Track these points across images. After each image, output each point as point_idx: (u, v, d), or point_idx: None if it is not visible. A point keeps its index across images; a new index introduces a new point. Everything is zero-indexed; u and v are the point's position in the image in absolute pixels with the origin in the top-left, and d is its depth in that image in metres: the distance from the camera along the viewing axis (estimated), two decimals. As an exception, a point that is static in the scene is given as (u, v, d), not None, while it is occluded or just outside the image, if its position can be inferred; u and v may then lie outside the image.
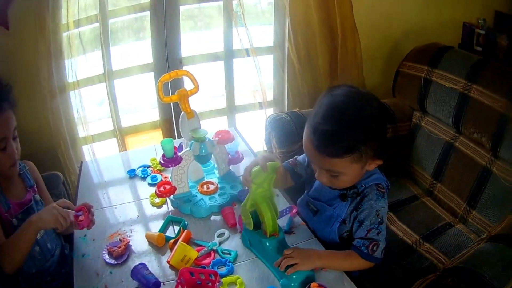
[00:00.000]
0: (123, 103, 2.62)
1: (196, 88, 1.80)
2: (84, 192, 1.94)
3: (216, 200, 1.78)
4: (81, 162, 2.17)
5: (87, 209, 1.50)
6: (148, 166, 2.07)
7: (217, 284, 1.35)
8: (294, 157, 1.70)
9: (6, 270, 1.42)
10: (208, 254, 1.56)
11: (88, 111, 2.45)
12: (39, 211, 1.55)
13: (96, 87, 2.47)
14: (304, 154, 1.60)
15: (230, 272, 1.48)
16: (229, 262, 1.50)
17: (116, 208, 1.84)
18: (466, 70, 2.15)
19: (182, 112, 1.77)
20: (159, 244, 1.59)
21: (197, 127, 1.78)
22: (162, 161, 1.70)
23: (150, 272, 1.44)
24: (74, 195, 1.94)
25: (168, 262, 1.49)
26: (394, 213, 2.18)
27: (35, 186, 1.67)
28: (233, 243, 1.62)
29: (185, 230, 1.63)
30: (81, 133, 2.48)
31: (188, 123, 1.77)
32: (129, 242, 1.61)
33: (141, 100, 2.80)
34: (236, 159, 1.93)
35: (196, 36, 2.89)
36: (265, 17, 2.73)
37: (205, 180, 1.90)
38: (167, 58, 2.51)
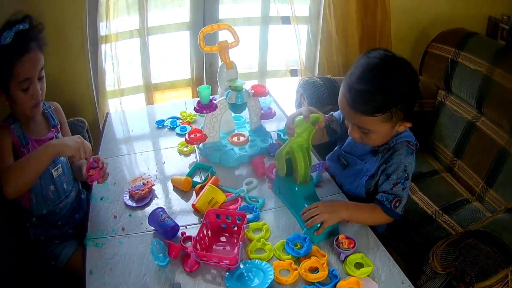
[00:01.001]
0: (156, 60, 2.48)
1: (237, 41, 1.73)
2: (108, 141, 1.86)
3: (246, 151, 1.70)
4: (107, 113, 2.10)
5: (100, 164, 1.41)
6: (178, 118, 2.00)
7: (244, 226, 1.26)
8: (330, 114, 1.64)
9: (7, 192, 1.29)
10: (235, 200, 1.48)
11: (119, 66, 2.33)
12: (62, 138, 1.49)
13: (130, 42, 2.34)
14: (339, 111, 1.58)
15: (256, 219, 1.40)
16: (256, 208, 1.43)
17: (141, 155, 1.76)
18: (491, 54, 2.14)
19: (221, 63, 1.71)
20: (185, 189, 1.51)
21: (235, 78, 1.71)
22: (197, 107, 1.63)
23: (169, 217, 1.34)
24: (97, 145, 1.86)
25: (193, 205, 1.42)
26: (416, 184, 2.14)
27: (58, 126, 1.58)
28: (261, 191, 1.54)
29: (213, 176, 1.54)
30: (110, 87, 2.36)
31: (226, 73, 1.71)
32: (153, 186, 1.54)
33: (174, 58, 2.68)
34: (268, 114, 1.85)
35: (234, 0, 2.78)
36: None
37: (236, 132, 1.81)
38: (204, 18, 2.42)
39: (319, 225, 1.29)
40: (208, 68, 2.52)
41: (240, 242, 1.21)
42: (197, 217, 1.40)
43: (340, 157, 1.56)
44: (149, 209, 1.42)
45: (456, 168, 2.27)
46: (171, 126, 1.93)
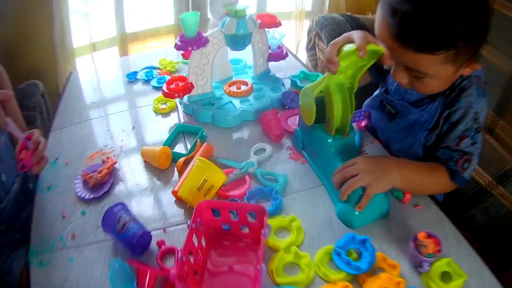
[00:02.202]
0: (132, 5, 2.03)
1: None
2: (67, 106, 1.30)
3: (251, 104, 1.16)
4: (70, 73, 1.54)
5: (32, 144, 0.92)
6: (155, 68, 1.45)
7: (263, 231, 0.70)
8: None
9: None
10: (241, 180, 0.92)
11: (89, 17, 1.91)
12: None
13: None
14: None
15: (278, 210, 0.86)
16: (276, 193, 0.88)
17: (104, 119, 1.21)
18: None
19: None
20: (161, 165, 0.97)
21: (234, 1, 1.15)
22: (178, 43, 1.08)
23: (133, 219, 0.80)
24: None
25: (174, 193, 0.88)
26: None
27: None
28: (280, 163, 1.00)
29: (204, 144, 0.99)
30: (76, 43, 1.94)
31: None
32: (115, 163, 1.00)
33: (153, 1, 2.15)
34: (278, 54, 1.28)
35: None
36: None
37: (234, 79, 1.25)
38: None
39: (358, 192, 0.82)
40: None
41: (261, 266, 0.63)
42: (182, 211, 0.87)
43: (385, 104, 1.08)
44: (109, 202, 0.90)
45: (498, 129, 1.82)
46: (146, 79, 1.38)
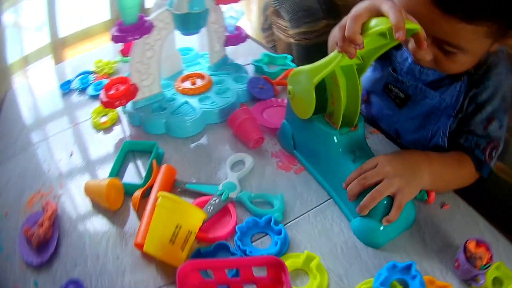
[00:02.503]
0: (65, 7, 1.75)
1: None
2: (2, 133, 1.03)
3: (213, 102, 0.93)
4: (6, 93, 1.25)
5: None
6: (91, 73, 1.17)
7: None
8: None
9: None
10: (223, 211, 0.69)
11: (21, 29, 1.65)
12: None
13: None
14: None
15: (286, 247, 0.64)
16: (276, 223, 0.66)
17: (41, 147, 0.93)
18: None
19: None
20: (112, 206, 0.71)
21: None
22: (116, 32, 0.82)
23: None
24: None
25: (138, 246, 0.63)
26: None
27: None
28: (269, 179, 0.77)
29: (163, 166, 0.75)
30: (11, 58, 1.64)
31: None
32: (55, 210, 0.73)
33: None
34: (236, 37, 1.06)
35: None
36: None
37: (186, 73, 1.00)
38: None
39: (384, 204, 0.65)
40: None
41: None
42: (153, 270, 0.63)
43: (392, 88, 0.89)
44: (61, 267, 0.65)
45: None
46: (82, 87, 1.11)
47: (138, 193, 0.69)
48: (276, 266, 0.51)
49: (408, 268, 0.59)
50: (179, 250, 0.57)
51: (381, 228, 0.64)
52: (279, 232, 0.64)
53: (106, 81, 1.05)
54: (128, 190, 0.72)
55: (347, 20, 0.61)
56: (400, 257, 0.63)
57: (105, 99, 0.86)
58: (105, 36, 1.78)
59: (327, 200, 0.72)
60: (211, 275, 0.54)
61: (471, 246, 0.63)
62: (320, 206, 0.72)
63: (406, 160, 0.70)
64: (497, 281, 0.63)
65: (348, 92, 0.70)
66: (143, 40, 0.84)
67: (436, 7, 0.66)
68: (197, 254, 0.60)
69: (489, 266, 0.62)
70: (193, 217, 0.59)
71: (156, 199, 0.64)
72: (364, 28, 0.59)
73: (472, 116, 0.82)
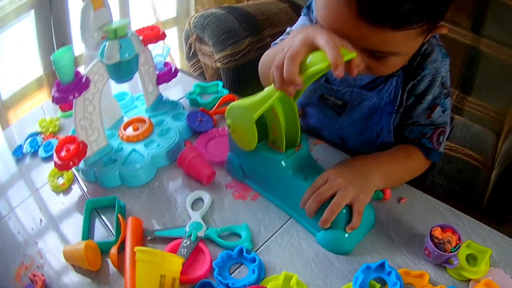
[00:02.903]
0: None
1: None
2: None
3: (158, 145, 0.95)
4: None
5: None
6: (37, 134, 1.15)
7: None
8: (288, 33, 0.97)
9: None
10: (195, 251, 0.72)
11: None
12: None
13: None
14: (297, 27, 0.95)
15: (263, 272, 0.69)
16: (248, 252, 0.70)
17: (9, 219, 0.92)
18: None
19: (85, 2, 0.89)
20: (93, 266, 0.72)
21: (110, 22, 0.92)
22: (56, 94, 0.83)
23: None
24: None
25: None
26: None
27: None
28: (229, 211, 0.81)
29: (129, 219, 0.77)
30: None
31: (94, 17, 0.89)
32: (44, 281, 0.74)
33: (19, 56, 1.78)
34: (166, 74, 1.08)
35: None
36: None
37: (126, 120, 1.02)
38: None
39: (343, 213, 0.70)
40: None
41: None
42: None
43: (328, 97, 0.93)
44: None
45: (466, 107, 1.87)
46: (32, 150, 1.09)
47: (114, 250, 0.71)
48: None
49: (381, 266, 0.65)
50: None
51: (346, 235, 0.70)
52: (253, 260, 0.68)
53: (54, 141, 1.07)
54: (103, 249, 0.74)
55: (282, 58, 0.62)
56: (371, 257, 0.69)
57: (58, 162, 0.86)
58: (41, 93, 1.81)
59: (288, 220, 0.77)
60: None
61: (437, 233, 0.68)
62: (284, 226, 0.76)
63: (355, 168, 0.75)
64: (470, 257, 0.70)
65: (287, 117, 0.73)
66: (83, 96, 0.85)
67: (363, 20, 0.64)
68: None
69: (458, 247, 0.67)
70: (173, 264, 0.62)
71: (133, 254, 0.66)
72: (302, 67, 0.61)
73: (413, 107, 0.85)
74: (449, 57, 0.85)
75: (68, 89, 0.83)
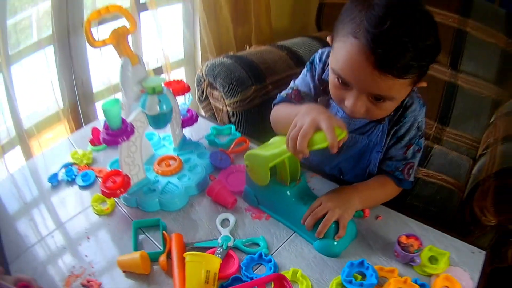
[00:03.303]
0: (21, 98, 1.79)
1: (134, 26, 1.15)
2: (6, 230, 1.15)
3: (189, 179, 1.19)
4: None
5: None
6: (71, 164, 1.34)
7: None
8: (292, 88, 1.22)
9: None
10: (227, 257, 0.98)
11: None
12: None
13: None
14: (304, 80, 1.20)
15: (277, 269, 0.95)
16: (266, 255, 0.96)
17: (53, 237, 1.10)
18: None
19: (123, 58, 1.13)
20: (145, 270, 0.96)
21: (145, 76, 1.16)
22: (106, 137, 1.05)
23: None
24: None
25: None
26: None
27: None
28: (249, 227, 1.07)
29: (173, 234, 1.01)
30: None
31: (132, 71, 1.13)
32: (100, 285, 0.95)
33: (39, 88, 1.89)
34: (189, 119, 1.34)
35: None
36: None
37: (158, 157, 1.27)
38: (68, 23, 1.77)
39: (332, 227, 0.97)
40: (81, 88, 1.89)
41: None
42: None
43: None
44: None
45: (444, 137, 2.13)
46: (69, 179, 1.28)
47: (163, 258, 0.96)
48: (280, 279, 0.81)
49: (361, 263, 0.91)
50: (212, 287, 0.87)
51: (335, 243, 0.96)
52: (269, 261, 0.93)
53: (90, 172, 1.27)
54: (152, 258, 0.98)
55: (296, 134, 0.87)
56: (354, 258, 0.94)
57: (106, 191, 1.08)
58: (61, 125, 1.93)
59: (293, 234, 1.03)
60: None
61: (403, 239, 0.94)
62: (290, 238, 1.02)
63: (340, 194, 1.02)
64: (433, 258, 0.94)
65: (290, 162, 0.99)
66: (130, 139, 1.08)
67: (377, 69, 0.86)
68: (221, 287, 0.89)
69: (420, 250, 0.91)
70: (214, 263, 0.88)
71: (182, 258, 0.91)
72: (309, 143, 0.86)
73: (393, 146, 1.09)
74: (425, 106, 1.09)
75: (117, 134, 1.05)
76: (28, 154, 1.80)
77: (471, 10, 1.97)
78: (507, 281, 1.41)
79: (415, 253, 0.93)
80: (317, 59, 1.17)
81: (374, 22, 0.85)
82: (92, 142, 1.40)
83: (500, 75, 1.92)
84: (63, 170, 1.31)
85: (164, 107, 1.11)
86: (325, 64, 1.15)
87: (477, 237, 1.34)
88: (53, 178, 1.28)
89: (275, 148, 0.97)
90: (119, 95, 1.92)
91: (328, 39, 1.03)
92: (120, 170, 1.12)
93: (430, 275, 0.93)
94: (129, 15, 1.15)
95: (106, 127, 1.06)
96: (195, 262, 0.87)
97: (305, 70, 1.19)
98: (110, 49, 1.16)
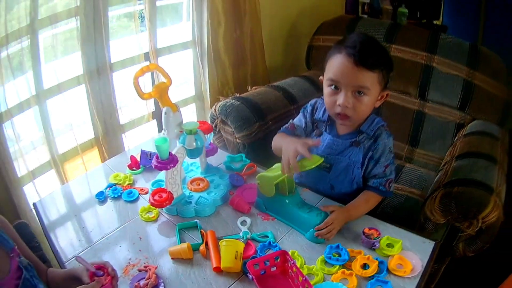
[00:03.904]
0: (54, 125, 2.13)
1: (170, 81, 1.65)
2: (59, 236, 1.53)
3: (215, 194, 1.66)
4: (34, 203, 1.71)
5: (111, 271, 1.21)
6: (114, 184, 1.76)
7: (290, 263, 1.29)
8: (290, 122, 1.72)
9: None
10: (247, 245, 1.44)
11: (23, 143, 1.98)
12: None
13: (26, 113, 1.96)
14: (299, 118, 1.70)
15: None
16: (274, 243, 1.43)
17: (107, 239, 1.50)
18: (383, 33, 2.49)
19: (165, 108, 1.63)
20: (189, 256, 1.40)
21: (181, 121, 1.67)
22: (158, 164, 1.49)
23: None
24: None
25: (216, 269, 1.33)
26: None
27: (16, 247, 1.15)
28: (261, 225, 1.54)
29: (208, 231, 1.47)
30: (19, 171, 1.96)
31: (174, 117, 1.64)
32: (156, 268, 1.35)
33: (73, 118, 2.22)
34: (211, 150, 1.83)
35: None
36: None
37: (189, 178, 1.74)
38: (98, 66, 2.16)
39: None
40: (109, 123, 2.27)
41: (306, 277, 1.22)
42: (223, 278, 1.33)
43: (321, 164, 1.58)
44: None
45: (415, 157, 2.51)
46: (114, 196, 1.70)
47: (203, 247, 1.41)
48: (283, 254, 1.28)
49: (337, 246, 1.37)
50: (239, 262, 1.33)
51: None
52: (275, 246, 1.39)
53: (134, 190, 1.69)
54: (194, 248, 1.42)
55: (287, 159, 1.40)
56: (333, 243, 1.40)
57: (155, 203, 1.53)
58: (92, 151, 2.27)
59: (291, 229, 1.50)
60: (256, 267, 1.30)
61: (366, 230, 1.38)
62: (289, 232, 1.49)
63: (343, 218, 1.44)
64: (390, 245, 1.35)
65: (288, 180, 1.47)
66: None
67: (356, 66, 1.40)
68: (244, 263, 1.35)
69: (378, 237, 1.34)
70: (240, 246, 1.34)
71: (217, 246, 1.38)
72: (300, 166, 1.38)
73: (373, 167, 1.52)
74: (392, 136, 1.54)
75: (167, 163, 1.51)
76: (61, 176, 2.14)
77: (437, 47, 2.38)
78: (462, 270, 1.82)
79: (375, 239, 1.39)
80: (309, 105, 1.69)
81: (350, 43, 1.43)
82: (130, 167, 1.84)
83: (462, 101, 2.27)
84: (109, 189, 1.73)
85: (199, 143, 1.59)
86: (313, 108, 1.67)
87: (431, 232, 1.69)
88: (101, 195, 1.67)
89: (277, 171, 1.46)
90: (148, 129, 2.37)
91: (320, 78, 1.55)
92: (165, 187, 1.59)
93: (387, 256, 1.33)
94: (165, 73, 1.64)
95: (157, 156, 1.51)
96: (228, 246, 1.34)
97: (300, 113, 1.70)
98: (132, 90, 1.58)
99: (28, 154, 1.98)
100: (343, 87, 1.46)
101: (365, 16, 3.42)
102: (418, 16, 3.91)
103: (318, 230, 1.40)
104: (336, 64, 1.46)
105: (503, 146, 2.08)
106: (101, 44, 2.10)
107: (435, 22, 4.02)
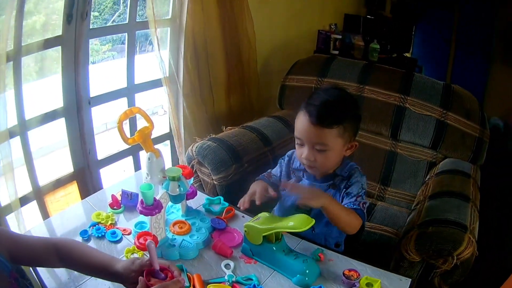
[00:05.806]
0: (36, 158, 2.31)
1: (151, 125, 1.81)
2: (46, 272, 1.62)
3: (197, 237, 1.82)
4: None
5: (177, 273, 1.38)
6: (96, 223, 1.88)
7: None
8: (268, 171, 1.96)
9: None
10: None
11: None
12: None
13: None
14: (276, 168, 1.95)
15: None
16: (257, 285, 1.59)
17: (95, 279, 1.60)
18: (356, 74, 2.70)
19: (149, 153, 1.79)
20: None
21: (163, 167, 1.82)
22: (142, 209, 1.64)
23: None
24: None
25: None
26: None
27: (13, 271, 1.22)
28: (244, 268, 1.70)
29: (194, 274, 1.63)
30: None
31: (157, 162, 1.79)
32: None
33: (53, 150, 2.46)
34: (191, 193, 1.98)
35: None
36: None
37: (171, 221, 1.89)
38: (77, 100, 2.34)
39: (304, 270, 1.58)
40: (88, 156, 2.43)
41: None
42: None
43: (300, 205, 1.75)
44: None
45: (387, 195, 2.67)
46: (98, 235, 1.80)
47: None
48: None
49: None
50: None
51: (306, 278, 1.57)
52: (260, 288, 1.59)
53: (118, 230, 1.81)
54: None
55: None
56: (315, 285, 1.57)
57: (142, 246, 1.66)
58: (72, 185, 2.44)
59: (273, 272, 1.66)
60: None
61: (346, 272, 1.56)
62: (272, 274, 1.65)
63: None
64: (369, 284, 1.48)
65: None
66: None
67: (313, 124, 1.62)
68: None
69: (358, 278, 1.50)
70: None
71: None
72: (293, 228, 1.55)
73: (346, 198, 1.70)
74: (365, 176, 1.75)
75: (152, 209, 1.67)
76: (43, 208, 2.28)
77: (410, 87, 2.59)
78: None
79: (355, 280, 1.57)
80: (286, 156, 1.95)
81: (313, 100, 1.67)
82: (112, 206, 1.97)
83: (435, 141, 2.45)
84: (92, 227, 1.85)
85: (182, 189, 1.76)
86: (290, 158, 1.92)
87: (406, 269, 1.84)
88: (85, 234, 1.76)
89: (267, 224, 1.63)
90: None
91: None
92: (149, 231, 1.74)
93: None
94: (147, 117, 1.80)
95: (142, 201, 1.67)
96: (216, 290, 1.52)
97: (278, 163, 1.96)
98: (113, 125, 1.76)
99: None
100: (306, 143, 1.70)
101: (337, 52, 3.64)
102: (388, 48, 4.21)
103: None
104: (299, 121, 1.72)
105: (475, 183, 2.25)
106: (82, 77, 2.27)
107: (405, 54, 4.35)
